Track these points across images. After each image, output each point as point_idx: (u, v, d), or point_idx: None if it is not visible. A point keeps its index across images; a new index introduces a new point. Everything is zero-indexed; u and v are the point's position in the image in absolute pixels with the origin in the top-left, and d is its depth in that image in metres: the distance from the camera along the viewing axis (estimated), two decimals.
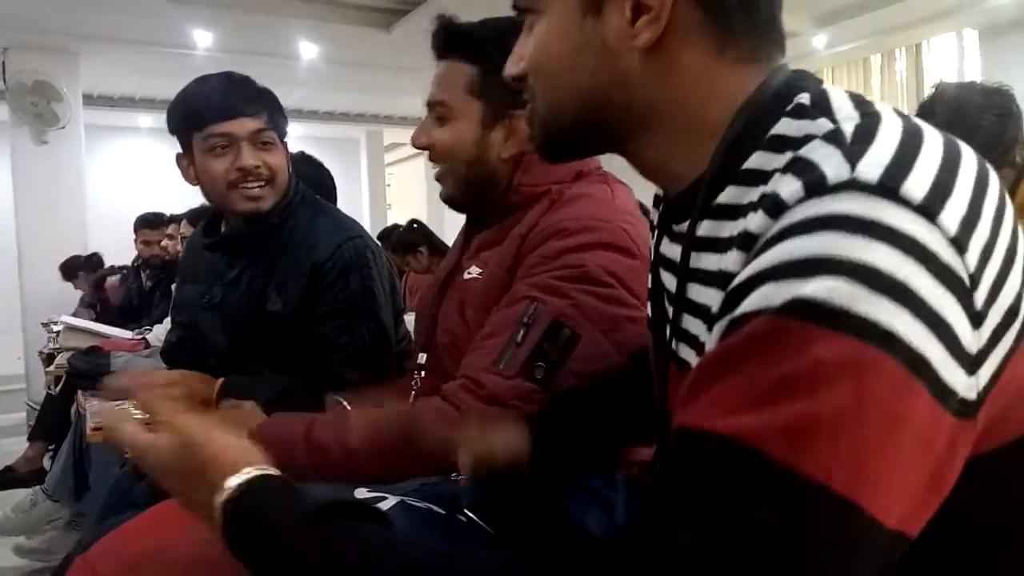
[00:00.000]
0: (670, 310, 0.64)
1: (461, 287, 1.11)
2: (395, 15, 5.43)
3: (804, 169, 0.47)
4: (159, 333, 2.63)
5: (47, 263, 5.17)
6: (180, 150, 1.49)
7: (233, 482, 0.58)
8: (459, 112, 1.09)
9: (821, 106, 0.52)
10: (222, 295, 1.51)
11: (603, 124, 0.62)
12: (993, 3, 5.19)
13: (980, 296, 0.44)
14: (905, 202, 0.44)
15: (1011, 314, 0.46)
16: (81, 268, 4.82)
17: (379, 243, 1.59)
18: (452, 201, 1.15)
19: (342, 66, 6.25)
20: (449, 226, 1.21)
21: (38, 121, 5.41)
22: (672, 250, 0.64)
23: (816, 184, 0.46)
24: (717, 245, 0.55)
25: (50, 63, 5.43)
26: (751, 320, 0.45)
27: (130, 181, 8.12)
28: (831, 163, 0.46)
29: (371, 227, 7.62)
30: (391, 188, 10.18)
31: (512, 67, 0.67)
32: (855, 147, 0.46)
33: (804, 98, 0.53)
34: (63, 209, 5.49)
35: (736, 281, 0.48)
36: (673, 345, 0.63)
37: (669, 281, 0.64)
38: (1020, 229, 0.49)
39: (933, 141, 0.48)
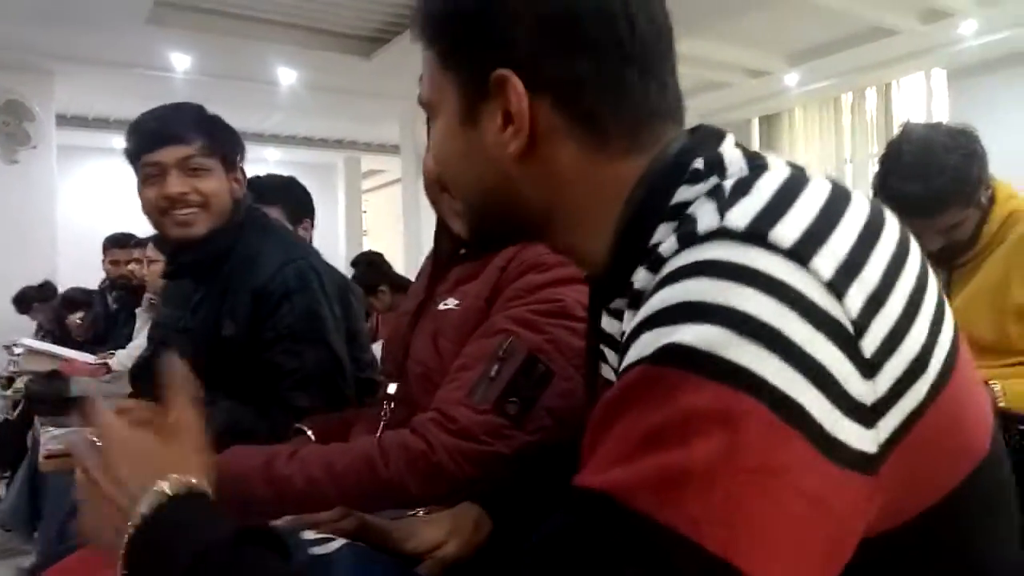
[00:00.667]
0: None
1: (435, 318, 1.08)
2: (375, 43, 5.46)
3: (682, 224, 0.48)
4: (122, 358, 2.58)
5: (15, 284, 5.06)
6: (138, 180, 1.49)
7: (156, 489, 0.56)
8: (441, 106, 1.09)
9: (714, 167, 0.53)
10: (190, 320, 1.52)
11: (508, 221, 0.63)
12: (961, 45, 5.33)
13: (870, 344, 0.42)
14: (774, 247, 0.43)
15: (917, 366, 0.44)
16: (35, 299, 4.71)
17: (329, 266, 1.56)
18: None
19: (321, 92, 6.26)
20: (427, 252, 1.20)
21: (9, 140, 5.36)
22: (612, 326, 0.64)
23: (688, 235, 0.46)
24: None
25: (24, 82, 5.39)
26: (630, 371, 0.44)
27: (103, 202, 8.00)
28: (704, 215, 0.47)
29: (346, 253, 7.58)
30: (367, 215, 10.16)
31: (425, 164, 0.71)
32: (730, 199, 0.47)
33: (698, 163, 0.54)
34: (33, 229, 5.41)
35: (625, 335, 0.48)
36: None
37: (612, 357, 0.64)
38: (932, 283, 0.48)
39: (815, 192, 0.47)
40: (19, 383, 2.72)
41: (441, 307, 1.06)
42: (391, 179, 9.82)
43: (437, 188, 0.99)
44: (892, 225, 0.48)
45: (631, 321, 0.48)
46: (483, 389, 0.91)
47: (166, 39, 5.12)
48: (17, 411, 2.72)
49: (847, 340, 0.42)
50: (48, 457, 1.53)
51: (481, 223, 0.66)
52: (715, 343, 0.41)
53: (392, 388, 1.14)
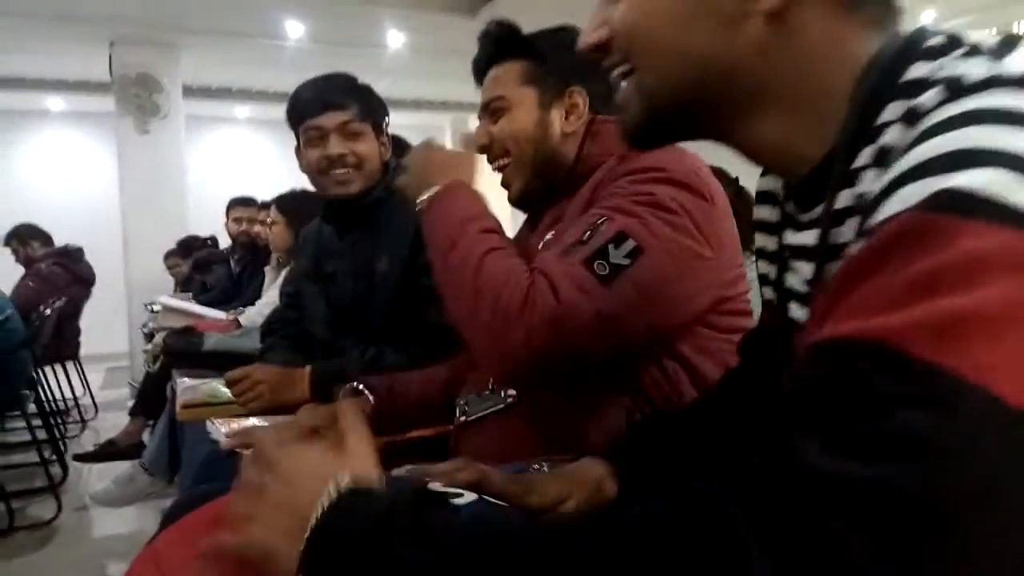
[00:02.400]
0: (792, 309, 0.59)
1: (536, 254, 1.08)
2: (479, 0, 5.42)
3: (942, 79, 0.44)
4: (251, 315, 2.70)
5: (150, 247, 5.43)
6: (297, 143, 1.64)
7: (333, 486, 0.52)
8: (516, 101, 1.14)
9: (956, 42, 0.48)
10: (332, 267, 1.67)
11: (717, 99, 0.55)
12: None
13: None
14: None
15: None
16: (196, 247, 5.05)
17: None
18: (523, 196, 1.17)
19: (428, 54, 6.30)
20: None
21: (141, 112, 5.68)
22: (803, 238, 0.57)
23: (955, 86, 0.43)
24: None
25: (153, 56, 5.69)
26: (891, 221, 0.40)
27: (227, 169, 8.45)
28: (971, 68, 0.43)
29: None
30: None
31: (593, 34, 0.60)
32: (995, 53, 0.44)
33: (937, 39, 0.48)
34: (164, 196, 5.76)
35: (871, 193, 0.43)
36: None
37: (805, 269, 0.57)
38: None
39: None
40: (158, 338, 2.90)
41: (540, 246, 1.09)
42: None
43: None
44: None
45: (877, 180, 0.43)
46: (574, 250, 0.92)
47: (280, 7, 5.28)
48: (157, 364, 2.91)
49: None
50: (185, 407, 1.62)
51: (673, 101, 0.57)
52: (998, 187, 0.37)
53: None
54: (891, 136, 0.45)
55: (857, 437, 0.36)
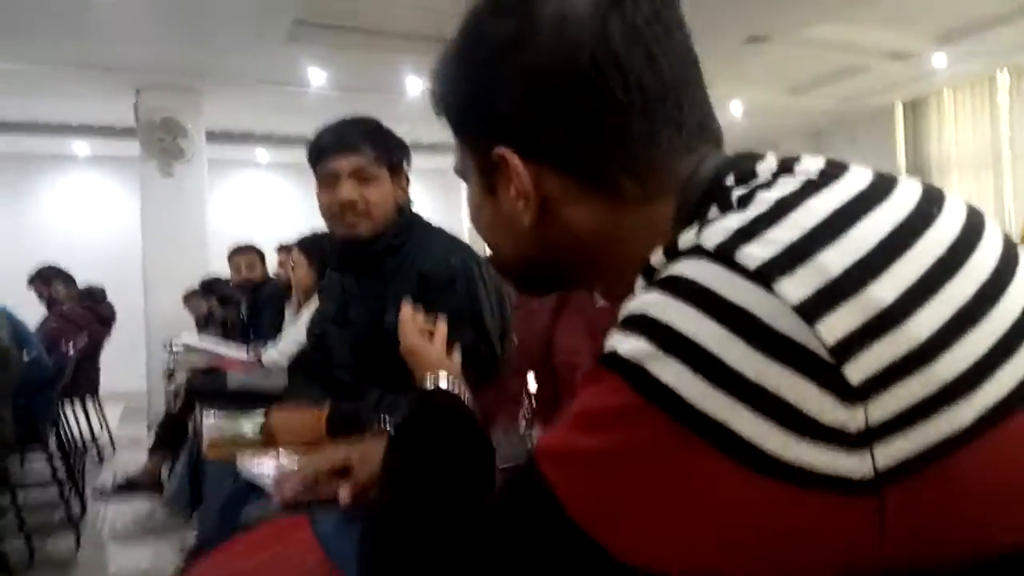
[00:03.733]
0: None
1: (585, 311, 1.08)
2: None
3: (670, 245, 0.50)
4: (273, 355, 2.73)
5: (170, 287, 5.50)
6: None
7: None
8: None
9: (744, 177, 0.52)
10: (349, 312, 1.65)
11: (545, 274, 0.66)
12: None
13: (859, 370, 0.40)
14: (739, 267, 0.43)
15: (946, 396, 0.40)
16: (217, 290, 5.14)
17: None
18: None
19: None
20: None
21: (165, 155, 5.81)
22: None
23: (670, 251, 0.49)
24: None
25: (177, 101, 5.84)
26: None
27: (248, 211, 8.58)
28: (687, 234, 0.48)
29: None
30: None
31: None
32: (714, 218, 0.48)
33: (730, 179, 0.52)
34: (185, 237, 5.85)
35: None
36: None
37: None
38: (1012, 302, 0.44)
39: (826, 201, 0.46)
40: (179, 377, 2.94)
41: (598, 303, 1.06)
42: None
43: None
44: (943, 228, 0.46)
45: None
46: None
47: (303, 55, 5.41)
48: (178, 403, 2.94)
49: (814, 365, 0.40)
50: (212, 446, 1.64)
51: (520, 280, 0.70)
52: (642, 356, 0.44)
53: (531, 384, 1.14)
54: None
55: (486, 512, 0.52)
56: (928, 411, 0.40)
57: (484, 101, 0.59)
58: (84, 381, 4.57)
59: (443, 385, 0.86)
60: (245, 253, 4.16)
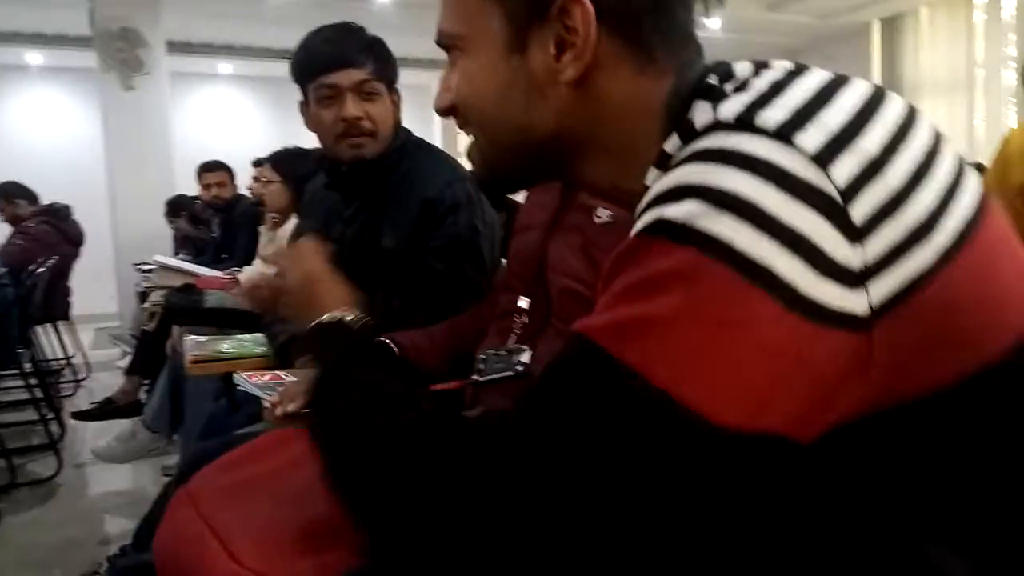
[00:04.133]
0: None
1: (583, 229, 1.06)
2: None
3: (684, 128, 0.54)
4: (250, 273, 2.70)
5: (137, 206, 5.37)
6: (303, 99, 1.54)
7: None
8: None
9: (725, 77, 0.56)
10: (339, 233, 1.58)
11: (543, 154, 0.64)
12: None
13: (860, 211, 0.45)
14: (760, 130, 0.48)
15: (919, 232, 0.46)
16: (183, 208, 5.04)
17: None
18: (489, 178, 1.11)
19: (414, 9, 6.20)
20: None
21: (124, 67, 5.57)
22: None
23: (688, 133, 0.53)
24: None
25: (134, 9, 5.55)
26: (626, 243, 0.51)
27: (213, 126, 8.33)
28: (701, 115, 0.52)
29: None
30: (462, 135, 10.13)
31: (440, 101, 0.68)
32: (727, 97, 0.52)
33: (712, 78, 0.56)
34: (150, 153, 5.67)
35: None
36: None
37: None
38: (947, 154, 0.51)
39: (815, 78, 0.52)
40: (154, 297, 2.91)
41: (596, 220, 1.04)
42: None
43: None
44: (894, 102, 0.52)
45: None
46: None
47: None
48: (154, 323, 2.92)
49: (831, 207, 0.45)
50: (194, 362, 1.64)
51: (506, 160, 0.67)
52: (693, 216, 0.46)
53: (523, 302, 1.14)
54: (649, 180, 0.56)
55: (542, 407, 0.50)
56: (910, 244, 0.46)
57: None
58: (55, 303, 4.50)
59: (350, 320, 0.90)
60: (214, 170, 4.06)
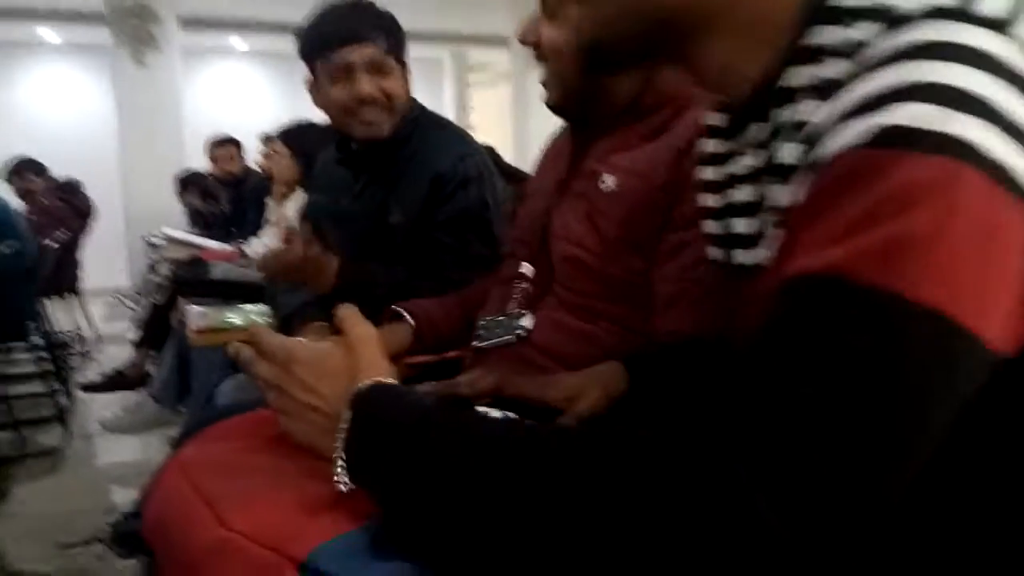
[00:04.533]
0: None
1: (589, 196, 1.04)
2: None
3: (878, 10, 0.47)
4: (255, 245, 2.70)
5: (148, 180, 5.39)
6: (310, 75, 1.51)
7: (359, 387, 0.61)
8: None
9: None
10: (348, 207, 1.57)
11: (663, 29, 0.59)
12: None
13: None
14: (978, 20, 0.43)
15: None
16: (192, 182, 5.03)
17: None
18: (558, 105, 1.07)
19: None
20: (537, 150, 1.19)
21: (137, 43, 5.57)
22: (747, 160, 0.61)
23: (890, 18, 0.46)
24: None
25: None
26: (838, 159, 0.44)
27: (225, 102, 8.33)
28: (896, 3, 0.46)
29: None
30: (474, 111, 10.05)
31: (528, 34, 0.68)
32: None
33: None
34: (162, 129, 5.69)
35: (816, 126, 0.47)
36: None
37: (746, 193, 0.62)
38: None
39: None
40: (162, 269, 2.91)
41: (601, 187, 1.01)
42: (499, 73, 9.64)
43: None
44: None
45: (819, 111, 0.48)
46: None
47: None
48: (162, 295, 2.92)
49: None
50: (198, 332, 1.63)
51: (618, 32, 0.61)
52: (929, 119, 0.41)
53: (527, 268, 1.12)
54: (831, 69, 0.48)
55: (814, 369, 0.41)
56: None
57: None
58: (65, 276, 4.53)
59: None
60: (224, 145, 4.06)
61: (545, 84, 1.07)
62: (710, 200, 0.68)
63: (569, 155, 1.12)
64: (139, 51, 5.61)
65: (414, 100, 1.55)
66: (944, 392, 0.41)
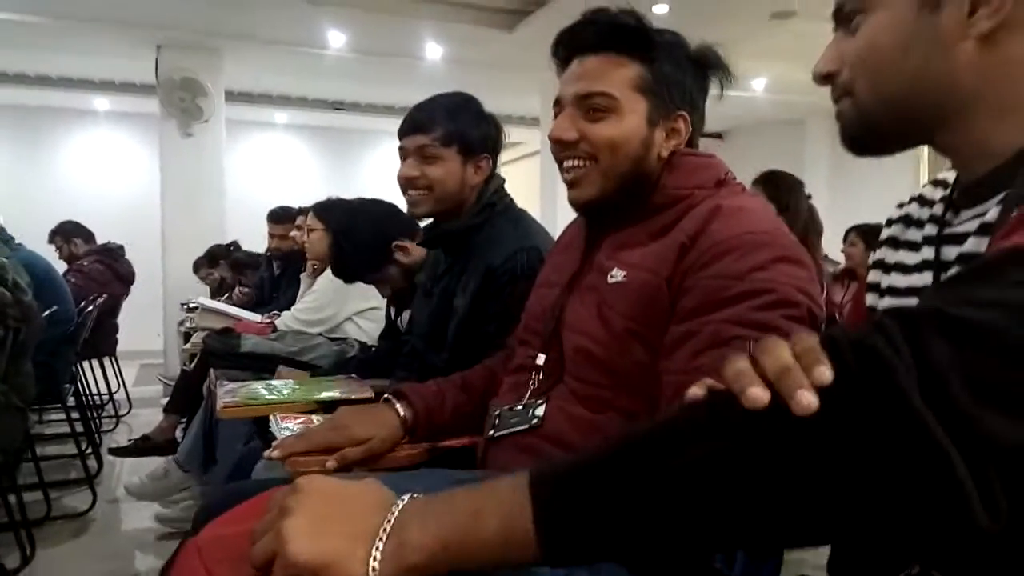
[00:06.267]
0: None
1: (599, 289, 1.08)
2: (518, 16, 5.49)
3: None
4: (286, 319, 2.76)
5: (188, 247, 5.55)
6: None
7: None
8: (627, 108, 1.08)
9: None
10: (431, 286, 1.72)
11: (926, 110, 0.67)
12: None
13: None
14: None
15: None
16: (222, 255, 5.16)
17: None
18: (596, 202, 1.11)
19: (465, 65, 6.38)
20: (563, 225, 1.25)
21: (184, 115, 5.82)
22: (967, 227, 0.66)
23: None
24: None
25: (197, 61, 5.83)
26: None
27: (266, 173, 8.60)
28: None
29: None
30: (507, 185, 10.26)
31: (826, 65, 0.72)
32: None
33: None
34: (204, 198, 5.89)
35: None
36: None
37: (958, 250, 0.67)
38: None
39: None
40: (196, 338, 2.98)
41: (610, 280, 1.06)
42: (530, 151, 9.88)
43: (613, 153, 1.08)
44: None
45: None
46: None
47: (323, 17, 5.38)
48: (194, 363, 2.98)
49: None
50: (225, 408, 1.67)
51: (887, 119, 0.69)
52: None
53: (540, 359, 1.15)
54: None
55: (992, 301, 0.47)
56: None
57: None
58: (103, 339, 4.63)
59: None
60: (283, 222, 4.05)
61: (579, 181, 1.11)
62: (905, 257, 0.75)
63: (582, 249, 1.16)
64: (186, 123, 5.85)
65: (498, 189, 1.67)
66: None
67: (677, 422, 0.53)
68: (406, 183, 1.62)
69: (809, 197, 2.79)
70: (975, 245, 0.63)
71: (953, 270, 0.66)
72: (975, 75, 0.64)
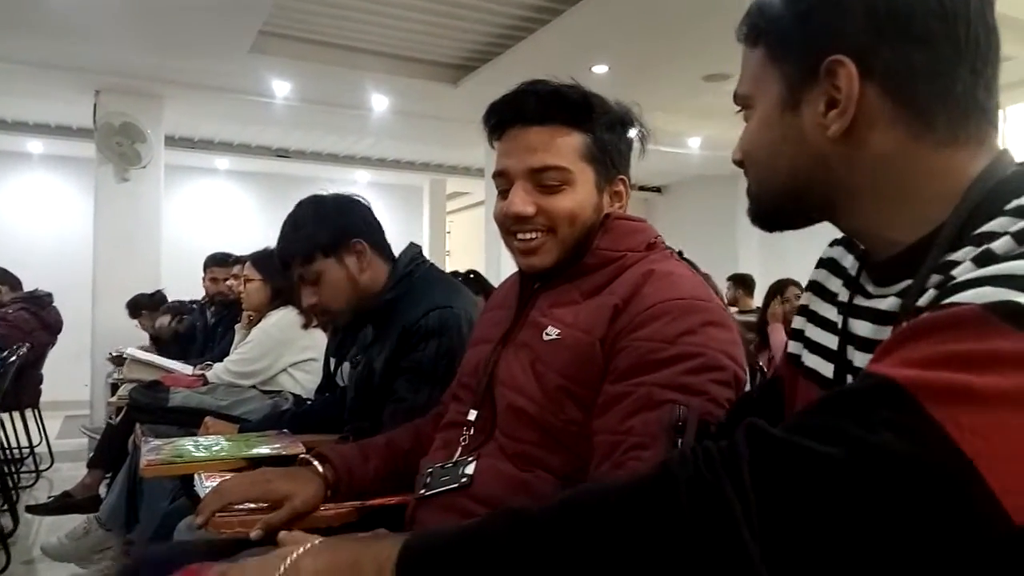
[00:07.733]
0: (849, 352, 0.71)
1: (532, 346, 1.09)
2: (462, 71, 5.61)
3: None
4: (218, 371, 2.69)
5: (120, 295, 5.37)
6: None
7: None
8: (579, 178, 1.11)
9: None
10: (363, 354, 1.78)
11: (807, 199, 0.70)
12: None
13: None
14: None
15: None
16: (145, 306, 5.01)
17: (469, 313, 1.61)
18: (551, 268, 1.13)
19: (410, 117, 6.44)
20: (507, 274, 1.27)
21: (122, 160, 5.68)
22: (877, 304, 0.68)
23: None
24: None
25: (137, 106, 5.72)
26: (959, 306, 0.50)
27: (205, 220, 8.45)
28: None
29: None
30: (451, 235, 10.33)
31: (735, 153, 0.76)
32: None
33: None
34: (139, 244, 5.73)
35: (956, 280, 0.54)
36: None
37: (863, 328, 0.69)
38: None
39: None
40: (123, 390, 2.88)
41: (545, 337, 1.08)
42: (475, 201, 9.98)
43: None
44: None
45: (967, 271, 0.54)
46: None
47: (268, 67, 5.38)
48: (119, 417, 2.88)
49: None
50: (149, 465, 1.61)
51: (773, 204, 0.73)
52: None
53: (472, 415, 1.15)
54: (999, 245, 0.55)
55: (841, 433, 0.48)
56: None
57: (829, 12, 0.64)
58: (25, 390, 4.44)
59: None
60: (222, 265, 4.00)
61: (532, 251, 1.12)
62: (821, 309, 0.78)
63: (515, 306, 1.18)
64: (123, 168, 5.71)
65: (413, 258, 1.71)
66: (933, 524, 0.45)
67: (532, 515, 0.57)
68: (311, 311, 1.74)
69: None
70: (874, 332, 0.67)
71: (852, 350, 0.69)
72: (849, 170, 0.66)
